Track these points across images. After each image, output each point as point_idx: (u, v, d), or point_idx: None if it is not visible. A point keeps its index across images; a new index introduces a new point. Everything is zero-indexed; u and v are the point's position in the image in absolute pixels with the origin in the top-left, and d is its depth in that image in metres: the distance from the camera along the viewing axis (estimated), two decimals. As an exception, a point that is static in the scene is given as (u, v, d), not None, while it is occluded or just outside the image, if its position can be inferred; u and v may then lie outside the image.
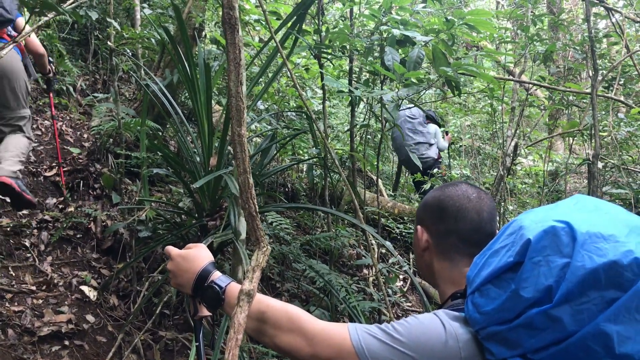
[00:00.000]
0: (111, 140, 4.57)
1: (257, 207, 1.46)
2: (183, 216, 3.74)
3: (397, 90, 3.36)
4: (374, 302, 3.84)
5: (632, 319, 0.94)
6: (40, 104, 5.36)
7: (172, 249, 1.44)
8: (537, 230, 1.04)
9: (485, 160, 9.64)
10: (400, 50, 3.67)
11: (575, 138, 5.82)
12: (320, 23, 3.98)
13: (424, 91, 3.40)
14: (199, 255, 1.41)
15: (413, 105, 4.43)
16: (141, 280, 3.62)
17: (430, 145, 7.13)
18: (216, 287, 1.33)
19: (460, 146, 9.96)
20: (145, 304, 3.43)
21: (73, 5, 2.47)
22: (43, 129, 5.01)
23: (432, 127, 7.27)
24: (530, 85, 5.43)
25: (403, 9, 3.83)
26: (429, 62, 3.68)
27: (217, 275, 1.37)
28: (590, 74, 3.88)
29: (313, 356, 1.19)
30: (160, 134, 4.80)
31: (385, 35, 3.66)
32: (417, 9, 3.70)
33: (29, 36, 3.85)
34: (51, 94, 4.45)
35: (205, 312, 1.45)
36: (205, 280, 1.36)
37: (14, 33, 3.71)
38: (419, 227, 1.45)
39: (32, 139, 3.92)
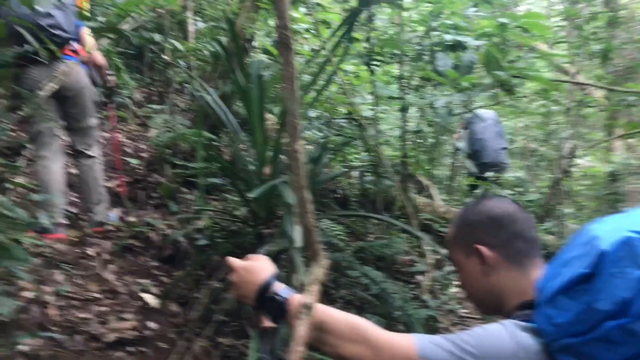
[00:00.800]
0: (168, 150, 4.71)
1: (313, 221, 1.48)
2: (238, 224, 3.82)
3: (450, 94, 3.34)
4: (429, 309, 3.81)
5: None
6: (100, 117, 5.58)
7: (234, 261, 1.46)
8: (611, 241, 1.01)
9: (540, 162, 9.40)
10: (451, 55, 3.65)
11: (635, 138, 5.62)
12: (370, 30, 4.00)
13: (478, 95, 3.37)
14: (261, 267, 1.42)
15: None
16: (200, 288, 3.72)
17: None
18: (279, 298, 1.35)
19: (515, 148, 9.76)
20: (204, 311, 3.52)
21: (134, 26, 2.58)
22: (103, 140, 5.21)
23: None
24: (586, 87, 5.28)
25: (454, 14, 3.81)
26: (482, 65, 3.65)
27: (280, 287, 1.39)
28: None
29: None
30: (215, 143, 4.91)
31: (436, 40, 3.65)
32: (468, 13, 3.67)
33: (92, 50, 4.05)
34: (113, 107, 4.65)
35: (269, 323, 1.48)
36: (268, 292, 1.38)
37: (77, 46, 3.89)
38: (478, 247, 1.37)
39: (99, 150, 4.12)
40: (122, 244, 3.88)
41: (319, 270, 1.42)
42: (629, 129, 4.38)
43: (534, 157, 9.35)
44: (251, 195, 3.01)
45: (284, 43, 1.43)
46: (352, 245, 4.55)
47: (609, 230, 1.06)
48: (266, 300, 1.38)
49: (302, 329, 1.30)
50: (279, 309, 1.35)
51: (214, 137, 4.63)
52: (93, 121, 4.03)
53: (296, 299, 1.35)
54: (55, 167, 3.81)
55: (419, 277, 5.10)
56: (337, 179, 5.82)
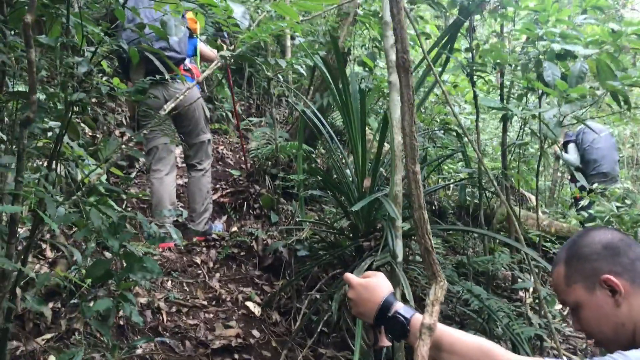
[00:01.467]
0: (268, 162, 4.85)
1: (432, 242, 1.48)
2: (338, 236, 3.86)
3: (559, 106, 3.21)
4: (533, 327, 3.67)
5: None
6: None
7: (352, 278, 1.46)
8: None
9: (650, 173, 8.83)
10: (559, 64, 3.51)
11: None
12: (472, 41, 3.93)
13: (590, 107, 3.21)
14: (380, 284, 1.42)
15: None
16: (300, 298, 3.79)
17: None
18: (401, 317, 1.35)
19: (622, 156, 9.22)
20: (306, 322, 3.58)
21: (243, 48, 2.70)
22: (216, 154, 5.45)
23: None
24: None
25: (561, 21, 3.66)
26: (593, 75, 3.48)
27: (400, 306, 1.39)
28: None
29: None
30: (312, 155, 5.00)
31: (543, 49, 3.52)
32: (578, 21, 3.51)
33: (199, 53, 4.28)
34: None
35: (386, 342, 1.48)
36: (388, 310, 1.37)
37: (190, 65, 4.12)
38: (607, 277, 1.30)
39: (209, 163, 4.31)
40: (225, 252, 4.03)
41: (439, 291, 1.41)
42: None
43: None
44: (354, 208, 3.03)
45: (403, 67, 1.44)
46: (451, 258, 4.47)
47: None
48: (387, 320, 1.38)
49: (424, 350, 1.30)
50: (401, 329, 1.35)
51: (312, 149, 4.72)
52: (205, 136, 4.24)
53: (418, 319, 1.34)
54: (169, 179, 4.04)
55: (521, 294, 4.92)
56: (433, 192, 5.75)
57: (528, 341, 3.80)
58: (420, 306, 4.13)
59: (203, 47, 4.30)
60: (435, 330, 1.31)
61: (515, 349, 3.13)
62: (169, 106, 2.43)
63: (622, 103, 3.19)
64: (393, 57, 2.94)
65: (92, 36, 1.96)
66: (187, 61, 4.11)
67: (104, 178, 2.37)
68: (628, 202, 7.17)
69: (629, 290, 1.29)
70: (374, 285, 1.43)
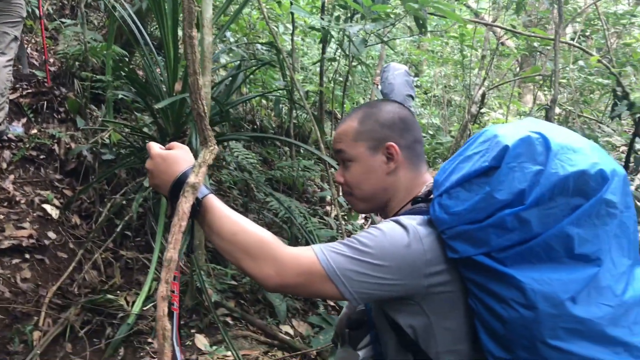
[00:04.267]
0: (77, 64, 4.51)
1: (205, 107, 1.50)
2: (147, 141, 3.76)
3: (364, 24, 3.39)
4: (333, 231, 3.96)
5: (591, 223, 1.04)
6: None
7: (153, 147, 1.36)
8: (514, 139, 1.11)
9: (455, 112, 9.75)
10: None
11: (543, 88, 5.93)
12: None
13: (392, 27, 3.43)
14: (180, 157, 1.33)
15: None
16: (103, 202, 3.67)
17: None
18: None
19: (434, 96, 10.05)
20: (107, 223, 3.50)
21: None
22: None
23: None
24: (502, 35, 5.48)
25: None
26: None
27: None
28: (556, 21, 3.94)
29: (281, 286, 1.19)
30: (127, 60, 4.75)
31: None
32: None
33: None
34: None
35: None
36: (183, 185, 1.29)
37: None
38: (392, 145, 1.38)
39: (9, 68, 3.88)
40: (22, 154, 3.74)
41: (208, 154, 1.44)
42: (530, 72, 4.63)
43: (450, 106, 9.67)
44: (157, 105, 2.96)
45: None
46: (265, 172, 4.61)
47: (510, 130, 1.15)
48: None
49: (185, 206, 1.32)
50: (192, 205, 1.27)
51: (125, 53, 4.48)
52: (12, 31, 3.79)
53: (210, 198, 1.30)
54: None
55: (328, 208, 5.27)
56: (255, 109, 5.81)
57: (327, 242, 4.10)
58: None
59: None
60: (198, 190, 1.33)
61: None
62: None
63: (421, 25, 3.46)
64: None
65: None
66: None
67: None
68: (431, 132, 7.91)
69: (402, 163, 1.40)
70: (173, 157, 1.34)
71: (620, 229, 1.07)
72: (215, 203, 1.29)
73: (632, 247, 1.09)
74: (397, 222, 1.22)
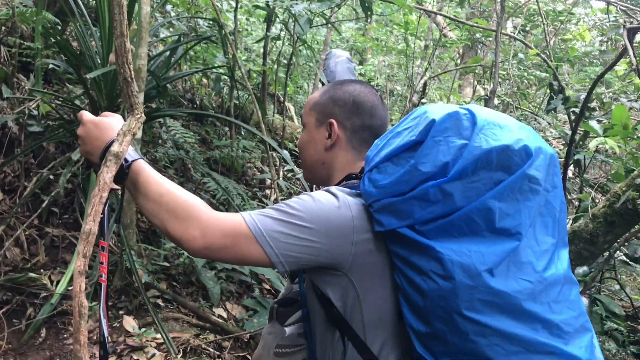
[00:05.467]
0: (4, 30, 4.24)
1: (132, 72, 1.41)
2: (76, 112, 3.59)
3: (310, 3, 3.33)
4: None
5: (514, 198, 1.05)
6: None
7: (84, 114, 1.34)
8: (441, 114, 1.11)
9: (397, 101, 9.86)
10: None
11: (482, 82, 6.06)
12: None
13: (337, 8, 3.39)
14: (113, 124, 1.32)
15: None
16: (29, 176, 3.48)
17: None
18: (122, 161, 1.26)
19: (377, 85, 10.10)
20: (32, 198, 3.32)
21: None
22: None
23: None
24: (444, 27, 5.55)
25: None
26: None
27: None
28: (498, 13, 4.01)
29: (206, 248, 1.16)
30: (60, 29, 4.51)
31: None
32: None
33: None
34: None
35: (113, 184, 1.38)
36: None
37: None
38: (332, 121, 1.41)
39: None
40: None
41: (134, 123, 1.36)
42: (471, 62, 4.72)
43: (392, 96, 9.76)
44: (88, 75, 2.82)
45: None
46: (203, 151, 4.50)
47: (440, 107, 1.16)
48: None
49: (107, 176, 1.26)
50: (120, 171, 1.25)
51: (58, 21, 4.25)
52: None
53: (139, 164, 1.27)
54: None
55: (267, 191, 5.21)
56: (195, 88, 5.66)
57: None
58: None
59: None
60: (121, 159, 1.27)
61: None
62: None
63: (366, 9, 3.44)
64: None
65: None
66: None
67: None
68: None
69: (341, 143, 1.42)
70: (106, 123, 1.32)
71: (546, 208, 1.09)
72: (144, 167, 1.27)
73: (558, 227, 1.11)
74: (328, 190, 1.24)
